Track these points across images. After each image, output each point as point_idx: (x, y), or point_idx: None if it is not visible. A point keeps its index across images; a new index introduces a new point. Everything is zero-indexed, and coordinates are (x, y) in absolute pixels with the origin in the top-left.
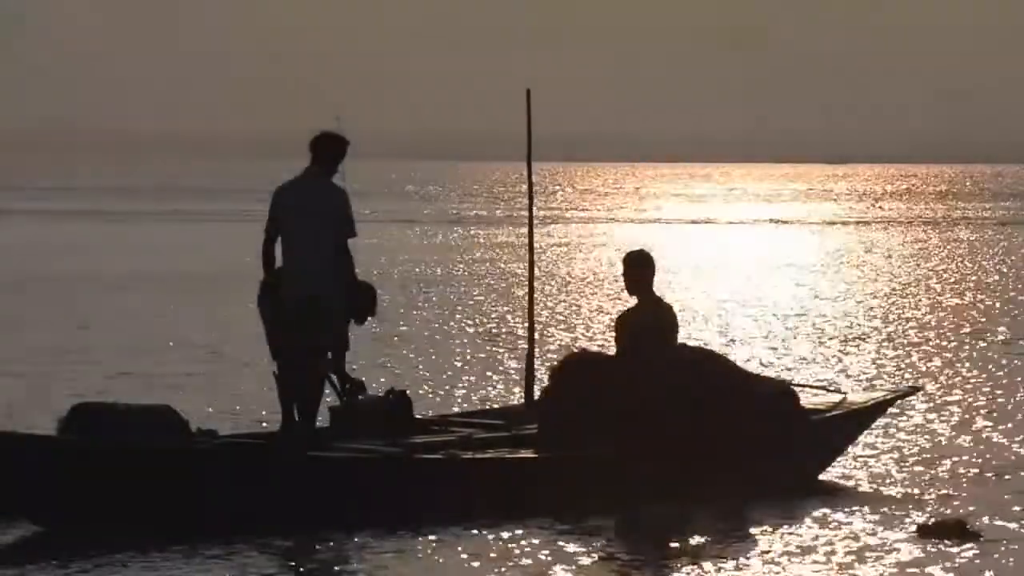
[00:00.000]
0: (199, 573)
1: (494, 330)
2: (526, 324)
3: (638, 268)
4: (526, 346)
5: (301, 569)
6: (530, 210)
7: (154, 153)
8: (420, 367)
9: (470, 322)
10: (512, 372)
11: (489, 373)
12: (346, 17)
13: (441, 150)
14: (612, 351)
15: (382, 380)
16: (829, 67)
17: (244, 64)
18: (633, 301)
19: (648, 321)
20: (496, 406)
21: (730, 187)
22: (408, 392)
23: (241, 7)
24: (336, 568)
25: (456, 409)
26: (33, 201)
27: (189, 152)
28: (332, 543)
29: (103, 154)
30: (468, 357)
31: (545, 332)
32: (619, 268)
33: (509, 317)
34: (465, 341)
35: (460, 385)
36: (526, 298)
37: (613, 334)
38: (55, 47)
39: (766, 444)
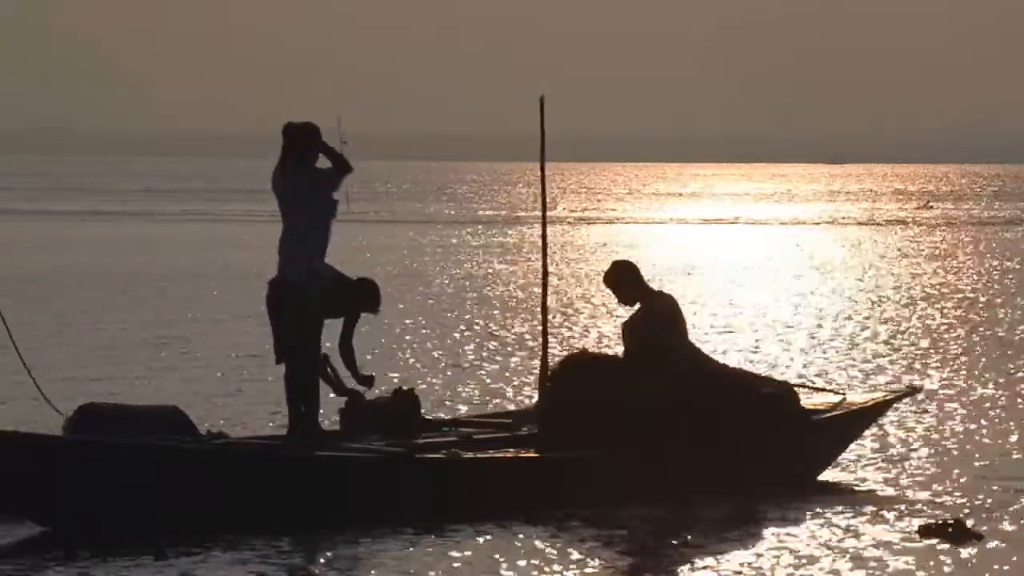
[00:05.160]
0: (199, 572)
1: (506, 331)
2: (539, 325)
3: (617, 284)
4: (539, 347)
5: (301, 568)
6: (543, 213)
7: (154, 154)
8: (431, 368)
9: (482, 323)
10: (524, 373)
11: (502, 374)
12: (347, 16)
13: (446, 151)
14: (616, 352)
15: (391, 380)
16: (833, 67)
17: (244, 64)
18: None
19: (643, 323)
20: (508, 407)
21: (731, 187)
22: (416, 392)
23: (243, 7)
24: (337, 567)
25: (467, 410)
26: (34, 201)
27: (188, 153)
28: (334, 542)
29: (98, 155)
30: (480, 358)
31: (557, 333)
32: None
33: (521, 318)
34: (478, 342)
35: (472, 386)
36: (538, 299)
37: (621, 337)
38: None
39: (766, 444)
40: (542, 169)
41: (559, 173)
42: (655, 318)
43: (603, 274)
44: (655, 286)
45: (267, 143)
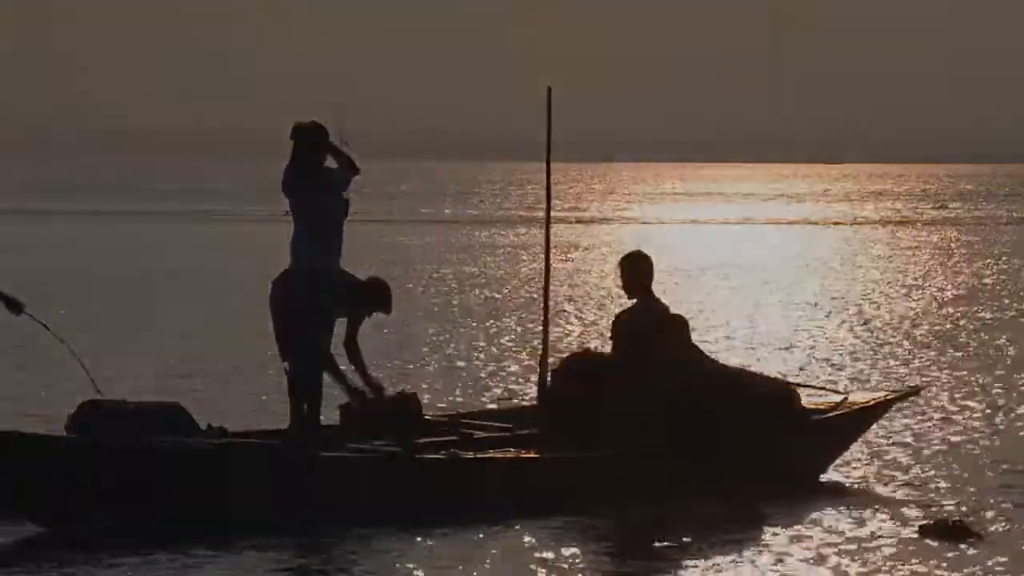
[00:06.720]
0: (199, 572)
1: (507, 331)
2: (540, 324)
3: (631, 270)
4: (540, 346)
5: (301, 568)
6: (547, 210)
7: (155, 152)
8: (431, 368)
9: (482, 323)
10: (525, 373)
11: (502, 374)
12: (347, 16)
13: (448, 150)
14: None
15: (391, 380)
16: (831, 67)
17: (244, 63)
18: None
19: (636, 323)
20: (508, 407)
21: (733, 187)
22: (418, 393)
23: (243, 6)
24: (336, 567)
25: (467, 410)
26: (33, 201)
27: (189, 151)
28: (334, 542)
29: (99, 155)
30: (480, 358)
31: (557, 333)
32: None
33: (523, 317)
34: (478, 342)
35: (472, 386)
36: (539, 298)
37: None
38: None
39: (766, 444)
40: (547, 162)
41: (567, 173)
42: (649, 315)
43: (625, 256)
44: (659, 291)
45: (267, 143)
